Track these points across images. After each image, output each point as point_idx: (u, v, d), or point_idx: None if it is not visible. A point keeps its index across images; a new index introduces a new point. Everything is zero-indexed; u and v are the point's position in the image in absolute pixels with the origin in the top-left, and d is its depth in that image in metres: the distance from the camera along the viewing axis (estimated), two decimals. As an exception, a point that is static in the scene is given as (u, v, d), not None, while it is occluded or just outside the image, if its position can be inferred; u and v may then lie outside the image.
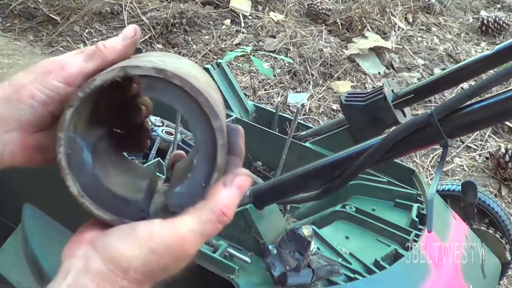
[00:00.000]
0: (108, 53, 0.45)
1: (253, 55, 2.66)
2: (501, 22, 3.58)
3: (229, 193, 0.42)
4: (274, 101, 2.55)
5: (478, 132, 2.50)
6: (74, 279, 0.39)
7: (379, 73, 2.93)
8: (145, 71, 0.40)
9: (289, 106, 2.51)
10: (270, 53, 2.79)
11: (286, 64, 2.80)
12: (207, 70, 1.42)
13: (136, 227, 0.41)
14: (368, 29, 3.18)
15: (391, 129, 0.81)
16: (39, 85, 0.44)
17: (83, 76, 0.44)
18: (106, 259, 0.40)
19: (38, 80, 0.44)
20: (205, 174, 0.43)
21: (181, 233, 0.41)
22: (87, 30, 2.98)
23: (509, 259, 1.38)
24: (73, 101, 0.41)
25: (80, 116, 0.43)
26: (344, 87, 2.71)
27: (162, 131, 1.33)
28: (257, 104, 1.51)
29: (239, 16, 3.21)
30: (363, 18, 3.21)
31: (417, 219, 1.04)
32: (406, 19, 3.62)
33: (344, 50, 2.98)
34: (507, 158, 2.21)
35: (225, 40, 3.01)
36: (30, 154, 0.46)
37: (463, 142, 2.48)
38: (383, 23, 3.31)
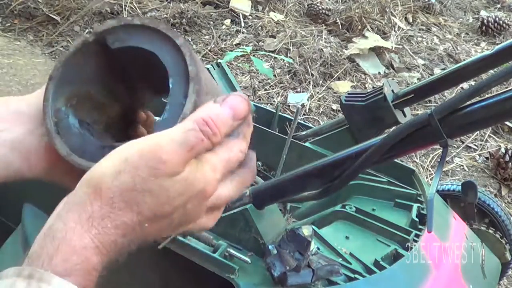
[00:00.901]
0: None
1: (253, 55, 2.66)
2: (501, 22, 3.57)
3: (217, 108, 0.39)
4: (274, 101, 2.55)
5: (478, 132, 2.50)
6: (49, 220, 0.36)
7: (379, 73, 2.93)
8: (107, 26, 0.43)
9: (289, 106, 2.51)
10: (270, 53, 2.79)
11: (286, 64, 2.80)
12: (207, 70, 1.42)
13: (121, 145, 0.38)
14: (368, 29, 3.18)
15: (391, 129, 0.81)
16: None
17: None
18: (80, 183, 0.37)
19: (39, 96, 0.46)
20: (183, 92, 0.41)
21: (158, 141, 0.37)
22: (87, 30, 2.98)
23: (509, 259, 1.38)
24: (53, 72, 0.44)
25: (68, 91, 0.45)
26: (344, 87, 2.71)
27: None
28: (257, 104, 1.51)
29: (239, 16, 3.21)
30: (363, 18, 3.21)
31: (417, 219, 1.04)
32: (406, 19, 3.62)
33: (344, 50, 2.98)
34: (507, 158, 2.21)
35: (225, 40, 3.01)
36: (48, 156, 0.46)
37: (463, 142, 2.48)
38: (383, 23, 3.31)
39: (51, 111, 0.44)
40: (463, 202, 1.37)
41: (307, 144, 1.29)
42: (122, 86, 0.50)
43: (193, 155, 0.38)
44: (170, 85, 0.41)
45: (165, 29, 0.42)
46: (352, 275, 0.87)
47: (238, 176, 0.44)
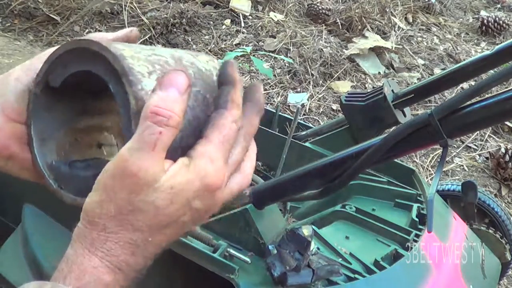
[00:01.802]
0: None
1: (253, 55, 2.66)
2: (501, 22, 3.57)
3: (157, 95, 0.37)
4: (274, 101, 2.55)
5: (478, 132, 2.50)
6: (67, 250, 0.39)
7: (379, 73, 2.93)
8: (42, 69, 0.42)
9: (289, 106, 2.51)
10: (270, 53, 2.79)
11: (286, 64, 2.80)
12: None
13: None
14: (368, 29, 3.18)
15: (391, 129, 0.81)
16: (27, 69, 0.44)
17: None
18: (81, 216, 0.39)
19: (26, 65, 0.45)
20: (124, 99, 0.39)
21: (122, 156, 0.36)
22: (87, 30, 2.98)
23: (509, 259, 1.38)
24: (28, 133, 0.44)
25: (50, 143, 0.45)
26: (344, 87, 2.71)
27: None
28: (257, 104, 1.51)
29: (239, 16, 3.21)
30: (363, 18, 3.21)
31: (417, 219, 1.04)
32: (406, 19, 3.62)
33: (344, 50, 2.98)
34: (507, 158, 2.21)
35: (225, 40, 3.01)
36: (8, 141, 0.45)
37: (463, 142, 2.48)
38: (383, 23, 3.31)
39: (45, 171, 0.44)
40: (463, 202, 1.37)
41: (307, 144, 1.29)
42: (94, 106, 0.49)
43: (162, 152, 0.37)
44: (115, 97, 0.39)
45: (86, 44, 0.40)
46: (352, 275, 0.87)
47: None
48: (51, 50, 0.44)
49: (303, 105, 2.51)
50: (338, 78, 2.78)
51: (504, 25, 3.57)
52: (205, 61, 0.45)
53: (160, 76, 0.39)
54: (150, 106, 0.36)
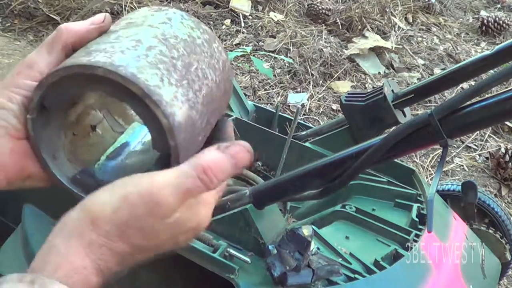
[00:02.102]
0: (68, 36, 0.44)
1: (253, 55, 2.66)
2: (501, 22, 3.57)
3: (218, 155, 0.40)
4: (274, 101, 2.55)
5: (478, 132, 2.50)
6: (48, 241, 0.39)
7: (379, 73, 2.93)
8: (60, 74, 0.40)
9: (289, 106, 2.51)
10: (270, 53, 2.79)
11: (286, 64, 2.80)
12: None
13: (118, 182, 0.40)
14: (368, 29, 3.18)
15: (391, 129, 0.81)
16: (13, 87, 0.43)
17: (51, 68, 0.43)
18: (80, 208, 0.39)
19: (10, 84, 0.43)
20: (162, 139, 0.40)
21: (157, 183, 0.39)
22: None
23: (509, 259, 1.38)
24: (43, 153, 0.43)
25: (63, 157, 0.45)
26: (344, 87, 2.71)
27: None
28: (257, 104, 1.51)
29: (239, 16, 3.21)
30: (363, 18, 3.21)
31: (417, 219, 1.04)
32: (406, 19, 3.62)
33: (344, 50, 2.98)
34: (507, 158, 2.21)
35: (225, 40, 3.01)
36: (23, 162, 0.44)
37: (463, 142, 2.48)
38: (383, 23, 3.31)
39: (72, 187, 0.44)
40: (463, 202, 1.37)
41: (307, 144, 1.29)
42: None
43: (188, 198, 0.40)
44: (138, 114, 0.40)
45: (87, 69, 0.38)
46: (352, 275, 0.87)
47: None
48: (27, 60, 0.44)
49: (303, 105, 2.51)
50: (338, 78, 2.78)
51: (504, 25, 3.57)
52: (183, 27, 0.45)
53: (167, 72, 0.40)
54: (204, 162, 0.39)
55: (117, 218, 0.38)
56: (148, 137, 0.48)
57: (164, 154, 0.42)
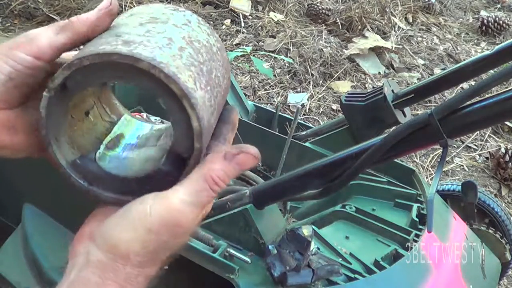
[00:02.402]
0: (80, 25, 0.43)
1: (253, 55, 2.66)
2: (501, 22, 3.57)
3: (226, 166, 0.41)
4: (274, 101, 2.55)
5: (478, 132, 2.50)
6: (76, 275, 0.39)
7: (379, 73, 2.93)
8: (62, 75, 0.39)
9: (289, 106, 2.51)
10: (270, 53, 2.79)
11: (286, 64, 2.80)
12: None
13: (130, 208, 0.40)
14: (368, 29, 3.18)
15: (391, 129, 0.81)
16: (6, 57, 0.42)
17: (53, 49, 0.42)
18: (105, 248, 0.39)
19: (5, 52, 0.42)
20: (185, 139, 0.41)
21: (176, 206, 0.39)
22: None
23: (509, 259, 1.38)
24: (45, 136, 0.42)
25: (67, 142, 0.44)
26: (344, 87, 2.71)
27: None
28: (257, 104, 1.51)
29: (239, 16, 3.21)
30: (363, 18, 3.21)
31: (417, 219, 1.04)
32: (406, 19, 3.62)
33: (344, 50, 2.98)
34: (507, 158, 2.21)
35: (225, 40, 3.01)
36: None
37: (463, 142, 2.48)
38: (383, 23, 3.31)
39: (72, 172, 0.44)
40: (463, 202, 1.37)
41: (307, 144, 1.29)
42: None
43: (204, 206, 0.41)
44: (167, 112, 0.40)
45: (131, 60, 0.37)
46: (352, 275, 0.87)
47: None
48: (30, 33, 0.42)
49: (303, 105, 2.51)
50: (338, 78, 2.78)
51: (504, 25, 3.57)
52: (201, 32, 0.45)
53: (197, 76, 0.40)
54: (214, 174, 0.40)
55: (146, 250, 0.40)
56: (143, 132, 0.49)
57: (174, 153, 0.42)
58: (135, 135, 0.49)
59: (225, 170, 0.41)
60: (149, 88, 0.39)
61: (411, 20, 3.64)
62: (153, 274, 0.41)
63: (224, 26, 3.13)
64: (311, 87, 2.68)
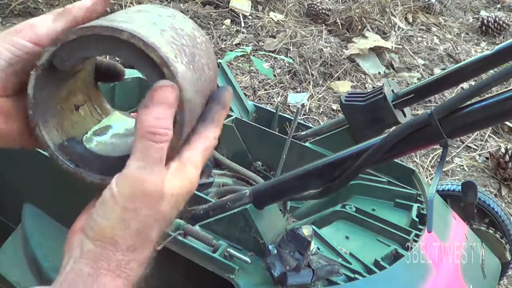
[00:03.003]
0: (77, 10, 0.44)
1: (253, 55, 2.66)
2: (501, 22, 3.58)
3: (150, 110, 0.39)
4: (274, 101, 2.55)
5: (478, 132, 2.50)
6: (70, 268, 0.39)
7: (379, 73, 2.93)
8: (48, 52, 0.40)
9: (289, 106, 2.51)
10: (270, 53, 2.79)
11: (286, 64, 2.80)
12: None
13: (104, 194, 0.40)
14: (368, 29, 3.18)
15: (391, 129, 0.81)
16: (6, 43, 0.42)
17: (51, 35, 0.43)
18: (93, 238, 0.39)
19: (5, 38, 0.43)
20: None
21: (133, 175, 0.39)
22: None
23: (509, 259, 1.38)
24: (32, 117, 0.43)
25: (55, 123, 0.45)
26: (344, 87, 2.71)
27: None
28: (257, 104, 1.51)
29: (239, 16, 3.21)
30: (363, 18, 3.21)
31: (417, 219, 1.04)
32: (406, 19, 3.62)
33: (344, 50, 2.98)
34: (507, 158, 2.21)
35: (225, 40, 3.01)
36: None
37: (463, 142, 2.48)
38: (383, 23, 3.31)
39: (58, 153, 0.44)
40: (463, 202, 1.37)
41: (307, 144, 1.29)
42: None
43: (163, 164, 0.40)
44: (150, 83, 0.41)
45: (111, 31, 0.39)
46: (352, 275, 0.87)
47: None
48: (29, 21, 0.43)
49: (303, 105, 2.51)
50: (338, 78, 2.78)
51: (504, 25, 3.57)
52: (186, 25, 0.46)
53: (179, 53, 0.41)
54: (148, 127, 0.39)
55: (130, 229, 0.39)
56: (131, 126, 0.50)
57: None
58: (123, 127, 0.50)
59: (151, 114, 0.39)
60: (131, 59, 0.40)
61: (411, 20, 3.64)
62: (146, 259, 0.41)
63: (224, 26, 3.13)
64: (311, 87, 2.68)
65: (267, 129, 1.33)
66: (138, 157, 0.39)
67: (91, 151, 0.45)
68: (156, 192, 0.39)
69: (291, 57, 2.84)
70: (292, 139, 1.21)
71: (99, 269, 0.38)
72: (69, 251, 0.40)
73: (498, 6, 4.18)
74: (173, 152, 0.42)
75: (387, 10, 3.38)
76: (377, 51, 3.04)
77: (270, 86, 2.65)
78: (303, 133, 1.38)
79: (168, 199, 0.40)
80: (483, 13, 3.95)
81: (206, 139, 0.44)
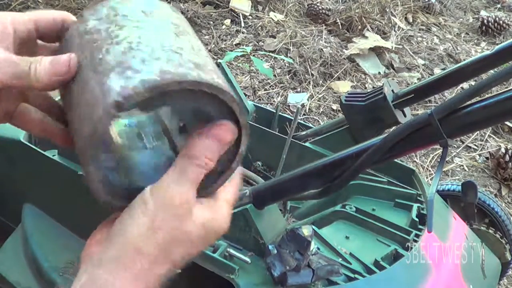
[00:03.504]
0: (34, 82, 0.42)
1: (253, 55, 2.66)
2: (501, 22, 3.57)
3: (204, 142, 0.42)
4: (274, 101, 2.55)
5: (478, 132, 2.50)
6: (89, 275, 0.39)
7: (379, 73, 2.93)
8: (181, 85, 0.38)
9: (289, 106, 2.51)
10: (270, 53, 2.79)
11: (286, 64, 2.80)
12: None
13: (133, 204, 0.41)
14: (368, 29, 3.18)
15: (391, 129, 0.81)
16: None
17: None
18: (117, 246, 0.40)
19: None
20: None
21: (165, 187, 0.41)
22: (87, 30, 2.98)
23: (509, 259, 1.38)
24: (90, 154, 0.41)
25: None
26: (344, 87, 2.71)
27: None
28: (257, 104, 1.51)
29: (239, 16, 3.21)
30: (363, 18, 3.21)
31: (417, 219, 1.04)
32: (406, 19, 3.62)
33: (344, 50, 2.98)
34: (507, 158, 2.21)
35: (225, 40, 3.01)
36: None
37: (463, 142, 2.48)
38: (383, 23, 3.31)
39: (102, 189, 0.42)
40: (463, 202, 1.37)
41: (307, 144, 1.29)
42: None
43: (195, 183, 0.42)
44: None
45: (233, 105, 0.41)
46: (352, 275, 0.87)
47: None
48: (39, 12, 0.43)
49: (303, 105, 2.51)
50: (338, 78, 2.78)
51: (504, 25, 3.57)
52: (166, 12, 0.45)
53: (214, 67, 0.42)
54: (194, 151, 0.41)
55: (156, 240, 0.40)
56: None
57: None
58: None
59: (202, 144, 0.42)
60: (199, 102, 0.41)
61: (411, 20, 3.64)
62: (163, 276, 0.41)
63: (224, 26, 3.13)
64: (311, 87, 2.68)
65: (267, 129, 1.33)
66: (175, 173, 0.41)
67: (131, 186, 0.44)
68: (185, 207, 0.41)
69: (291, 57, 2.84)
70: (292, 139, 1.21)
71: (117, 275, 0.38)
72: (86, 261, 0.40)
73: (498, 6, 4.18)
74: (209, 194, 0.44)
75: (387, 10, 3.38)
76: (377, 51, 3.04)
77: (270, 86, 2.65)
78: (303, 133, 1.38)
79: (197, 225, 0.42)
80: (483, 13, 3.95)
81: (237, 182, 0.48)
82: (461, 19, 3.89)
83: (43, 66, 0.41)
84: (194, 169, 0.41)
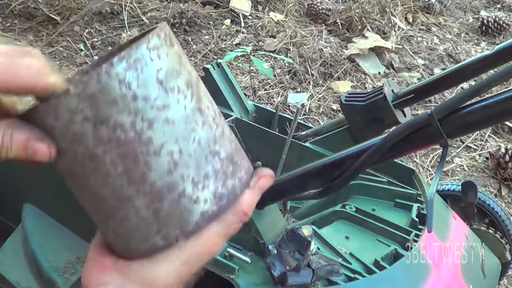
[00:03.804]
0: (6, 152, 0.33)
1: (253, 55, 2.66)
2: (501, 22, 3.57)
3: (252, 194, 0.44)
4: (274, 101, 2.55)
5: (478, 132, 2.50)
6: None
7: (379, 73, 2.93)
8: None
9: (289, 106, 2.51)
10: (270, 53, 2.79)
11: (286, 64, 2.80)
12: (207, 70, 1.42)
13: None
14: (368, 29, 3.18)
15: (391, 129, 0.81)
16: None
17: None
18: (140, 283, 0.40)
19: None
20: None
21: (210, 238, 0.41)
22: (87, 30, 2.98)
23: (509, 259, 1.38)
24: None
25: None
26: (344, 87, 2.71)
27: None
28: (257, 104, 1.51)
29: (239, 16, 3.21)
30: (363, 18, 3.21)
31: (417, 219, 1.04)
32: (406, 19, 3.62)
33: (344, 50, 2.98)
34: (507, 158, 2.21)
35: (225, 40, 3.01)
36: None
37: (463, 142, 2.48)
38: (383, 23, 3.31)
39: None
40: (463, 202, 1.37)
41: (307, 144, 1.29)
42: None
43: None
44: None
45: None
46: (352, 275, 0.87)
47: None
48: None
49: (303, 105, 2.51)
50: (338, 78, 2.78)
51: (504, 25, 3.57)
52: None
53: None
54: (247, 207, 0.43)
55: (181, 280, 0.41)
56: None
57: None
58: None
59: (251, 199, 0.44)
60: None
61: (411, 20, 3.64)
62: None
63: (224, 26, 3.13)
64: (311, 87, 2.68)
65: (267, 129, 1.33)
66: (223, 225, 0.42)
67: None
68: (215, 255, 0.43)
69: (291, 57, 2.84)
70: (292, 139, 1.21)
71: None
72: (97, 286, 0.39)
73: (498, 6, 4.18)
74: None
75: (387, 10, 3.38)
76: (377, 51, 3.04)
77: (270, 86, 2.65)
78: (303, 133, 1.38)
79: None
80: (483, 13, 3.95)
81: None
82: (461, 19, 3.89)
83: (18, 140, 0.34)
84: (239, 225, 0.43)
